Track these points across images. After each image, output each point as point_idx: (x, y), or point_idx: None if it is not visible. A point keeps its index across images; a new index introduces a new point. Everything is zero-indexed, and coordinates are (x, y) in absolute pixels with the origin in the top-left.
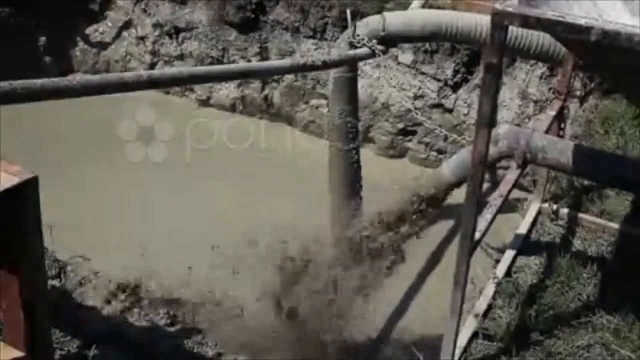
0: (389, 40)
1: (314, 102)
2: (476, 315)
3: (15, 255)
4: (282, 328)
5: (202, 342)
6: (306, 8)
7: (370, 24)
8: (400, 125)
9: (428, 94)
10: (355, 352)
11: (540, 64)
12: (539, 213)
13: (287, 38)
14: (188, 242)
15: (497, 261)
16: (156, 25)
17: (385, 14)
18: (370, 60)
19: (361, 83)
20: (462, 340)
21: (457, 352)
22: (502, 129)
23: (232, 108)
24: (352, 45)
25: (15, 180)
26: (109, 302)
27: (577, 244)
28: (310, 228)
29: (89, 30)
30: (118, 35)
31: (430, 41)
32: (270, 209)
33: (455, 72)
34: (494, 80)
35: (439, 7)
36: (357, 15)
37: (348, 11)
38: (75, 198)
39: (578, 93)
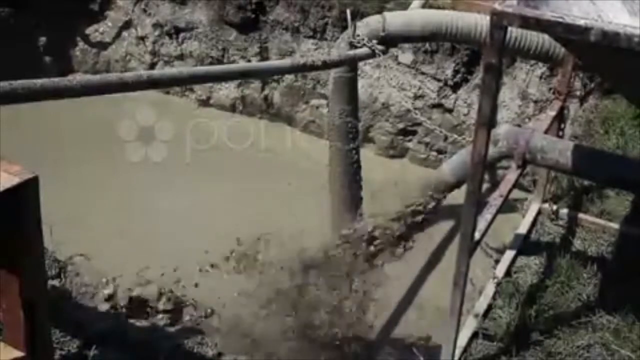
0: (389, 40)
1: (314, 102)
2: (476, 315)
3: (15, 255)
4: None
5: (202, 342)
6: (306, 8)
7: (370, 24)
8: (400, 125)
9: (428, 94)
10: (355, 353)
11: (540, 64)
12: (539, 213)
13: (287, 38)
14: (188, 242)
15: (497, 261)
16: (156, 25)
17: (385, 14)
18: (370, 60)
19: (361, 83)
20: (462, 340)
21: (457, 352)
22: (502, 129)
23: (232, 108)
24: (352, 45)
25: (15, 180)
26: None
27: (577, 244)
28: (310, 228)
29: (89, 30)
30: (118, 35)
31: (430, 41)
32: (270, 209)
33: (455, 72)
34: (494, 80)
35: (439, 7)
36: (357, 15)
37: (348, 11)
38: (75, 198)
39: (578, 93)
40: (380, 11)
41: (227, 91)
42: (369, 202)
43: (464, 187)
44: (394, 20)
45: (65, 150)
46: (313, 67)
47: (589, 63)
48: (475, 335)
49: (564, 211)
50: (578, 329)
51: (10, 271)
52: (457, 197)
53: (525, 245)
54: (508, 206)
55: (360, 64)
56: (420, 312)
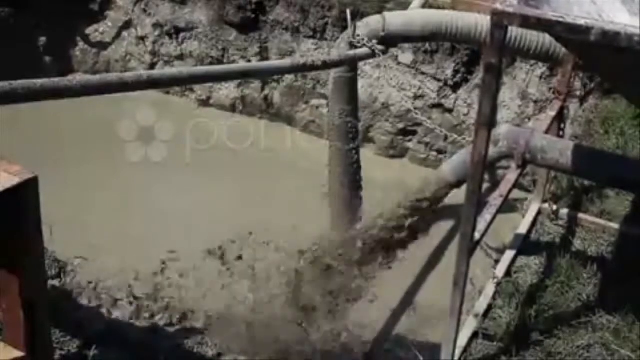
0: (389, 40)
1: (314, 102)
2: (476, 315)
3: (15, 255)
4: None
5: (202, 342)
6: (306, 8)
7: (370, 24)
8: (400, 125)
9: (428, 94)
10: (355, 353)
11: (540, 64)
12: (539, 213)
13: (287, 38)
14: (188, 242)
15: (497, 261)
16: (156, 25)
17: (385, 14)
18: (370, 60)
19: (361, 83)
20: (462, 340)
21: (457, 352)
22: (502, 129)
23: (232, 108)
24: (352, 46)
25: (15, 180)
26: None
27: (577, 244)
28: (310, 228)
29: (89, 30)
30: (118, 35)
31: (430, 41)
32: (270, 209)
33: (455, 72)
34: (494, 80)
35: (439, 7)
36: (357, 15)
37: (348, 11)
38: (75, 198)
39: (578, 93)
40: (380, 11)
41: (227, 91)
42: (369, 202)
43: (464, 187)
44: (394, 20)
45: (65, 150)
46: (313, 67)
47: (589, 63)
48: (475, 335)
49: (564, 211)
50: (578, 329)
51: (10, 271)
52: (457, 197)
53: (525, 245)
54: (508, 206)
55: (360, 64)
56: (420, 312)
